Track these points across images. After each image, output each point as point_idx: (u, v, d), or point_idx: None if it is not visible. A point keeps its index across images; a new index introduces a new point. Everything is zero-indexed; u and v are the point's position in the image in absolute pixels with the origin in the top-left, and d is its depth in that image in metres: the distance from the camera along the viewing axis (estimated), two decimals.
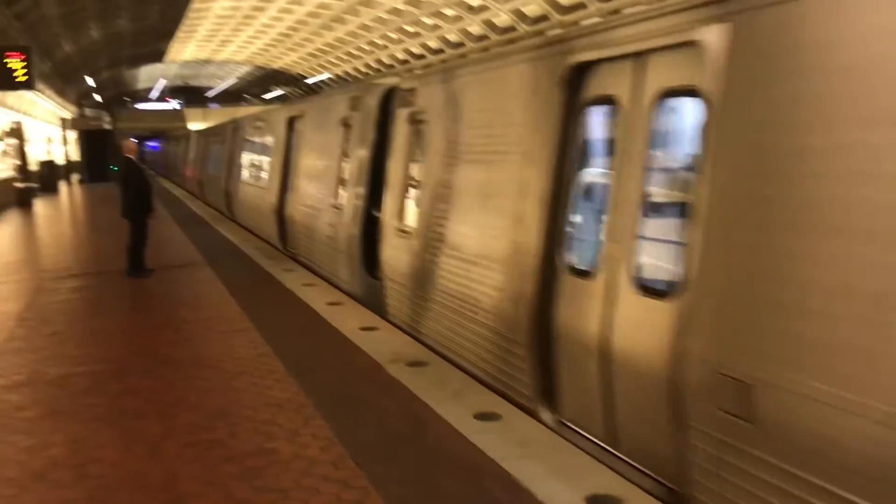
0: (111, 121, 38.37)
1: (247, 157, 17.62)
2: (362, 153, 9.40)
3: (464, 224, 6.57)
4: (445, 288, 6.75)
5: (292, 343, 6.97)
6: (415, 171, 7.97)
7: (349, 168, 9.94)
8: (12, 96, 32.63)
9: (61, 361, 6.72)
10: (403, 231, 7.86)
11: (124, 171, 11.06)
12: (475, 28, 32.11)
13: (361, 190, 9.32)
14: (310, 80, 53.79)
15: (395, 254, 7.99)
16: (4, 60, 11.56)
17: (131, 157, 11.17)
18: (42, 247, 15.76)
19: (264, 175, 15.19)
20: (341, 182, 10.25)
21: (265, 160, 15.34)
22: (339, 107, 10.59)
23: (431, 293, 7.04)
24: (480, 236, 6.25)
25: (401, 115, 8.31)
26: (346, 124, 10.19)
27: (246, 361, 6.45)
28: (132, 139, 11.62)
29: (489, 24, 30.90)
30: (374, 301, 8.61)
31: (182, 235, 15.35)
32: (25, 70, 11.65)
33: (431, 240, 7.10)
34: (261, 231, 15.21)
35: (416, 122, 7.92)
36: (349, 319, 7.71)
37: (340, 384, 5.81)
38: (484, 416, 5.01)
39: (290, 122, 13.57)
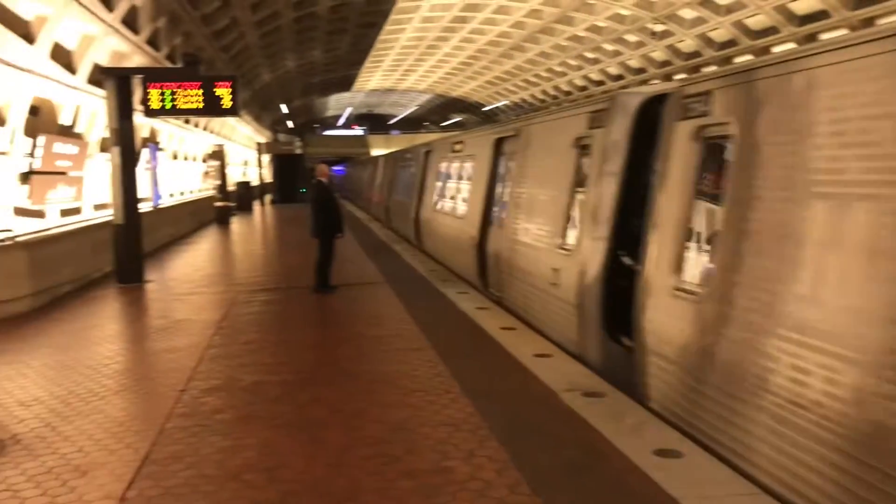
0: (301, 146, 40.79)
1: (441, 184, 16.11)
2: (608, 182, 7.38)
3: (841, 296, 4.18)
4: (782, 390, 4.48)
5: (467, 365, 7.05)
6: (704, 208, 5.98)
7: (585, 200, 8.05)
8: (216, 122, 35.57)
9: (254, 369, 7.17)
10: (685, 291, 5.78)
11: (316, 193, 11.68)
12: (658, 54, 31.46)
13: (605, 230, 7.32)
14: (486, 108, 54.76)
15: (668, 321, 5.89)
16: (214, 89, 12.50)
17: (323, 180, 11.79)
18: (237, 261, 16.98)
19: (462, 204, 13.76)
20: (570, 217, 8.47)
21: (464, 187, 13.90)
22: (569, 125, 8.80)
23: (746, 391, 4.81)
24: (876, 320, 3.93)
25: (681, 131, 6.14)
26: (580, 146, 8.41)
27: (423, 380, 6.59)
28: (324, 164, 12.29)
29: (673, 50, 30.17)
30: (617, 373, 6.71)
31: (364, 256, 16.01)
32: (231, 98, 12.57)
33: (747, 311, 4.93)
34: (454, 265, 13.63)
35: (710, 138, 5.87)
36: (523, 345, 7.69)
37: (515, 409, 5.80)
38: (664, 453, 4.82)
39: (498, 145, 11.95)
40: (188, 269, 15.26)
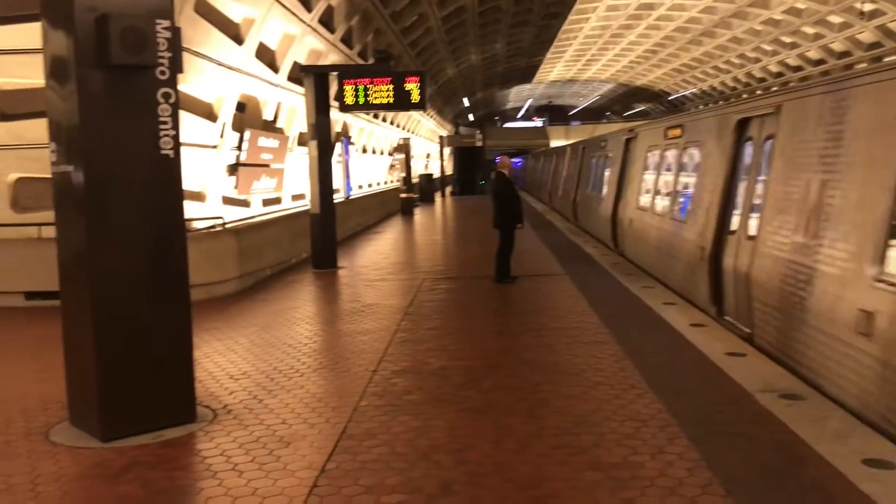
0: (481, 138, 41.34)
1: (650, 177, 13.53)
2: None
3: None
4: None
5: (653, 360, 6.87)
6: None
7: None
8: (402, 116, 36.82)
9: (440, 354, 7.38)
10: None
11: (497, 185, 11.81)
12: (866, 35, 29.01)
13: None
14: (672, 97, 52.91)
15: None
16: (403, 84, 12.94)
17: (504, 172, 11.90)
18: (420, 251, 17.53)
19: (696, 206, 10.34)
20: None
21: (683, 181, 11.39)
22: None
23: None
24: None
25: None
26: None
27: (607, 373, 6.51)
28: (506, 156, 12.42)
29: (884, 31, 27.70)
30: None
31: (542, 245, 15.99)
32: (419, 92, 12.95)
33: None
34: (672, 279, 10.87)
35: None
36: (714, 342, 7.38)
37: (705, 407, 5.58)
38: (874, 463, 4.47)
39: (741, 128, 9.12)
40: (376, 257, 15.93)
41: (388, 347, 7.66)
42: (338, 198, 22.39)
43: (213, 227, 12.43)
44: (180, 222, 5.67)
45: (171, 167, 5.52)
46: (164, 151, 5.44)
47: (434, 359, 7.21)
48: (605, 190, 17.23)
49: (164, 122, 5.42)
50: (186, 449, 5.09)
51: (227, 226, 12.27)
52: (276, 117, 17.93)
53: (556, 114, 75.78)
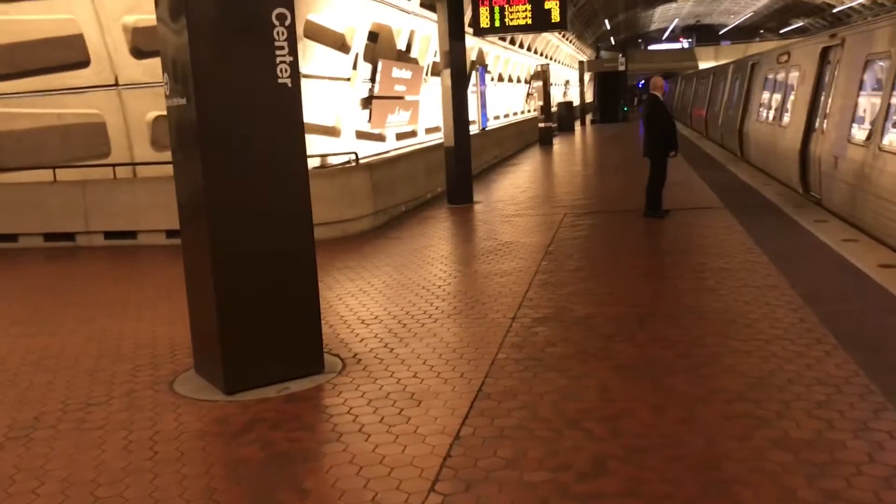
0: (624, 62, 39.19)
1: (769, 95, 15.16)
2: None
3: None
4: None
5: (839, 310, 5.88)
6: None
7: None
8: (540, 42, 35.40)
9: (586, 299, 6.67)
10: None
11: (649, 108, 10.75)
12: None
13: None
14: (837, 9, 48.17)
15: None
16: (543, 3, 11.99)
17: (657, 94, 10.81)
18: (560, 183, 16.62)
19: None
20: None
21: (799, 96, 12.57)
22: None
23: None
24: None
25: None
26: None
27: (785, 324, 5.59)
28: (660, 77, 11.24)
29: None
30: None
31: (696, 177, 14.74)
32: (560, 11, 11.95)
33: None
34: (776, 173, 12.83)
35: None
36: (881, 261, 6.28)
37: None
38: None
39: (824, 54, 11.13)
40: (513, 191, 15.22)
41: (528, 291, 7.02)
42: (473, 129, 21.76)
43: (346, 162, 12.10)
44: (301, 156, 5.18)
45: (290, 97, 4.99)
46: (281, 80, 4.92)
47: (579, 305, 6.51)
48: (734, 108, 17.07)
49: (281, 48, 4.89)
50: (312, 405, 4.69)
51: (360, 161, 11.89)
52: (409, 47, 17.33)
53: (704, 34, 71.02)
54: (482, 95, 21.42)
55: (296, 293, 5.10)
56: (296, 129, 5.10)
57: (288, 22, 4.92)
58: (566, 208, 12.09)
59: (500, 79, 29.09)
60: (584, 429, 4.10)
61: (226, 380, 4.91)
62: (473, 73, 21.53)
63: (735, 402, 4.31)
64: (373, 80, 14.49)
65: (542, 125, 27.27)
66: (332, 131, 13.10)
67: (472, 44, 22.17)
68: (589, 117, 43.73)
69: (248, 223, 4.92)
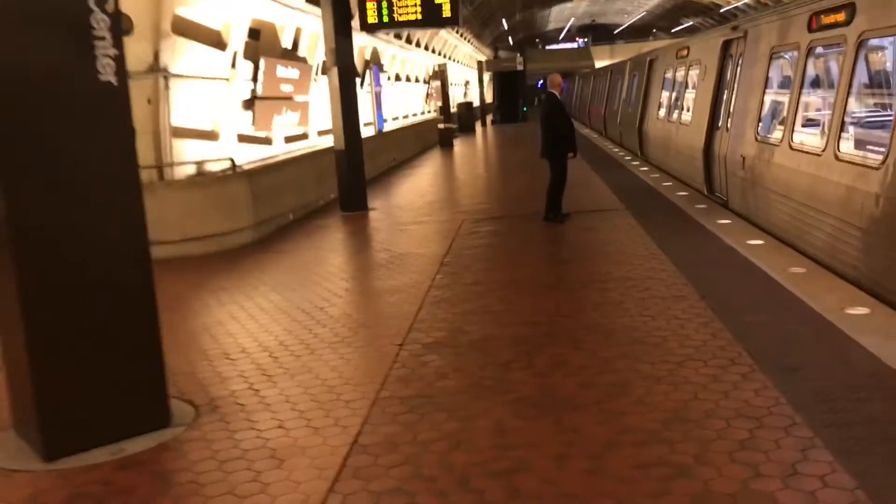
0: (522, 62, 39.13)
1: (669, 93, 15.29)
2: None
3: None
4: None
5: (752, 322, 5.42)
6: None
7: None
8: (437, 41, 34.91)
9: (482, 318, 6.03)
10: None
11: (547, 107, 10.24)
12: None
13: None
14: (725, 9, 49.64)
15: None
16: None
17: (554, 92, 10.31)
18: (460, 186, 16.06)
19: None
20: None
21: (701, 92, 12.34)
22: None
23: None
24: None
25: None
26: None
27: (696, 342, 5.09)
28: (557, 74, 10.73)
29: None
30: None
31: (596, 178, 14.40)
32: (451, 5, 11.32)
33: None
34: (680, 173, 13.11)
35: None
36: (825, 294, 5.89)
37: (840, 393, 4.14)
38: None
39: (725, 47, 11.16)
40: (411, 196, 14.55)
41: (420, 310, 6.33)
42: (368, 131, 20.97)
43: (223, 170, 11.15)
44: (131, 165, 4.29)
45: (115, 98, 4.13)
46: (103, 78, 4.06)
47: (475, 325, 5.86)
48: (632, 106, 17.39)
49: (101, 38, 4.02)
50: (149, 472, 3.85)
51: (239, 168, 10.97)
52: (296, 44, 16.41)
53: (600, 33, 72.27)
54: (377, 96, 20.67)
55: (130, 332, 4.24)
56: (123, 134, 4.23)
57: (110, 7, 4.06)
58: (465, 214, 11.49)
59: (398, 78, 28.40)
60: (474, 490, 3.43)
61: (45, 443, 4.01)
62: (367, 72, 20.75)
63: (647, 446, 3.72)
64: (255, 79, 13.52)
65: (441, 126, 26.72)
66: (209, 135, 12.09)
67: (366, 42, 21.40)
68: (490, 118, 43.55)
69: (64, 249, 4.03)
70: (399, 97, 28.33)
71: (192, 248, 9.52)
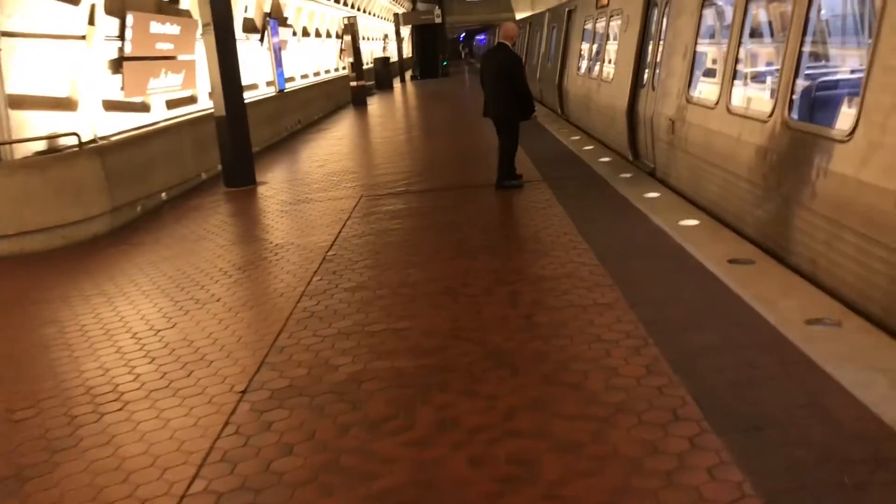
0: (440, 15, 37.40)
1: (588, 46, 14.01)
2: None
3: None
4: None
5: (696, 347, 4.25)
6: None
7: None
8: None
9: (359, 343, 4.71)
10: None
11: (500, 61, 8.90)
12: None
13: None
14: None
15: None
16: None
17: (507, 43, 8.97)
18: (369, 151, 14.60)
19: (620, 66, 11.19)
20: None
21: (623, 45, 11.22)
22: None
23: None
24: None
25: None
26: None
27: (628, 380, 3.89)
28: (512, 23, 9.45)
29: None
30: None
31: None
32: None
33: None
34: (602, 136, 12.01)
35: None
36: (780, 298, 4.77)
37: (829, 473, 2.99)
38: None
39: None
40: (311, 164, 13.05)
41: (281, 333, 4.98)
42: (268, 92, 19.22)
43: (66, 147, 9.47)
44: None
45: None
46: None
47: (347, 356, 4.54)
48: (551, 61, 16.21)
49: None
50: None
51: (92, 142, 9.32)
52: None
53: None
54: (277, 52, 18.86)
55: None
56: None
57: None
58: (366, 187, 10.11)
59: (306, 33, 26.44)
60: None
61: None
62: (266, 27, 18.91)
63: None
64: (122, 37, 11.70)
65: (353, 84, 25.02)
66: (65, 104, 10.31)
67: None
68: (410, 73, 41.82)
69: None
70: (308, 53, 26.42)
71: (32, 242, 7.95)
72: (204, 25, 10.53)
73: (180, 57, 14.17)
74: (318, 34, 28.76)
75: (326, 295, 5.69)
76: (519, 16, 50.39)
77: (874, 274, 4.41)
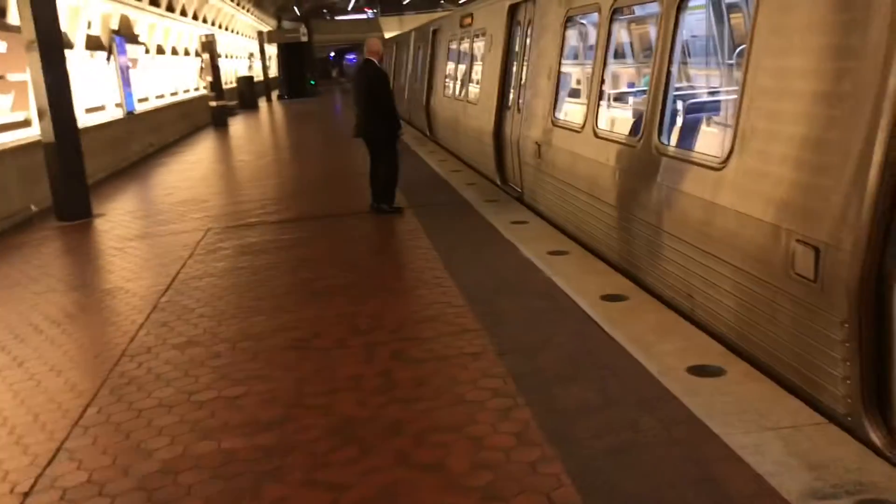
0: (307, 33, 36.53)
1: (454, 65, 13.71)
2: None
3: None
4: None
5: (576, 414, 3.75)
6: None
7: None
8: (209, 9, 31.53)
9: (181, 421, 3.93)
10: None
11: (366, 78, 8.43)
12: None
13: None
14: None
15: None
16: None
17: (373, 59, 8.42)
18: (226, 177, 13.63)
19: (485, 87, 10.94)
20: None
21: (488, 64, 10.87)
22: None
23: None
24: None
25: None
26: None
27: (496, 452, 3.34)
28: (376, 39, 8.89)
29: None
30: None
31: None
32: None
33: None
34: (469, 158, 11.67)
35: None
36: (658, 341, 4.37)
37: None
38: None
39: (513, 13, 9.63)
40: (159, 192, 12.00)
41: (86, 411, 4.13)
42: (116, 114, 17.84)
43: None
44: None
45: None
46: None
47: (162, 437, 3.74)
48: (418, 81, 16.21)
49: None
50: None
51: None
52: (3, 10, 13.10)
53: (389, 3, 70.44)
54: (125, 71, 17.53)
55: None
56: None
57: None
58: (216, 218, 9.22)
59: (161, 51, 24.97)
60: None
61: None
62: (113, 45, 17.55)
63: None
64: None
65: (213, 104, 23.79)
66: None
67: (109, 9, 18.14)
68: (276, 93, 40.61)
69: None
70: (164, 73, 24.95)
71: None
72: (28, 42, 9.41)
73: (10, 77, 12.77)
74: (174, 52, 27.29)
75: (151, 354, 4.87)
76: (388, 35, 50.17)
77: (754, 314, 4.06)
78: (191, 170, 14.45)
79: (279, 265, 6.91)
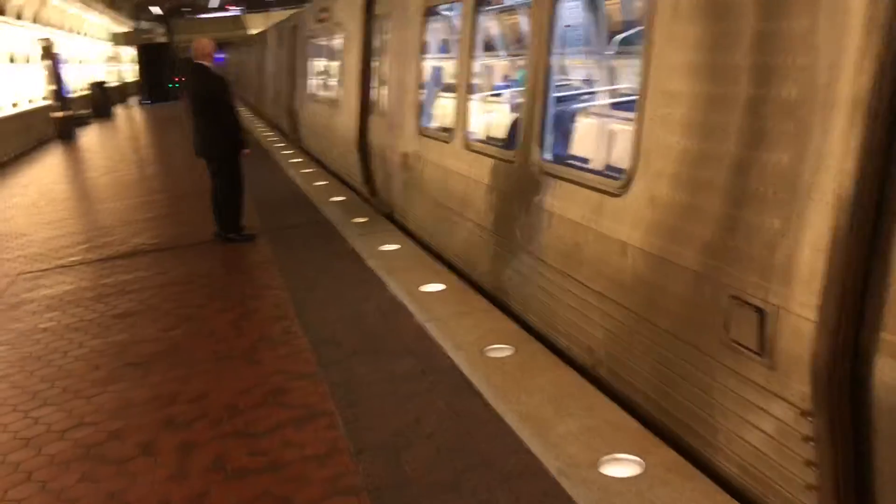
0: (167, 33, 34.23)
1: (313, 65, 12.60)
2: None
3: None
4: None
5: (422, 466, 2.73)
6: None
7: None
8: (52, 10, 28.91)
9: None
10: None
11: (198, 85, 7.16)
12: None
13: None
14: None
15: None
16: None
17: (205, 63, 7.06)
18: (58, 203, 11.89)
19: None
20: None
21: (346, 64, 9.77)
22: None
23: None
24: None
25: None
26: None
27: None
28: (206, 39, 7.40)
29: None
30: None
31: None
32: None
33: None
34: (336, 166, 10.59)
35: None
36: (551, 415, 3.40)
37: None
38: None
39: (370, 5, 8.47)
40: None
41: None
42: None
43: None
44: None
45: None
46: None
47: None
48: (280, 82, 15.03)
49: None
50: None
51: None
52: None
53: (255, 1, 67.79)
54: None
55: None
56: None
57: None
58: (30, 259, 7.71)
59: None
60: None
61: None
62: None
63: None
64: None
65: (57, 115, 21.56)
66: None
67: None
68: (135, 99, 38.00)
69: None
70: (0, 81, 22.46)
71: None
72: None
73: None
74: (12, 60, 24.69)
75: None
76: (253, 32, 48.09)
77: (678, 387, 3.14)
78: (18, 195, 12.62)
79: (90, 324, 5.56)
